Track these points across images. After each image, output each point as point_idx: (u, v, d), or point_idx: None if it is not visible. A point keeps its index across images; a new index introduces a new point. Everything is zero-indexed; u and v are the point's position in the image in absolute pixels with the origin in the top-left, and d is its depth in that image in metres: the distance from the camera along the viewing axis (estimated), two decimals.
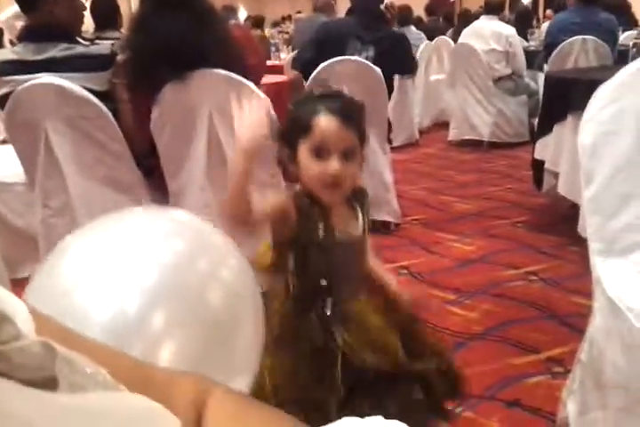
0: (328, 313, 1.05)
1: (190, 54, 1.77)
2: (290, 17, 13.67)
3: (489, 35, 4.31)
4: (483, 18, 4.49)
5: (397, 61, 2.80)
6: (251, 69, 1.99)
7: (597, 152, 1.14)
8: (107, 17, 3.56)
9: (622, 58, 3.64)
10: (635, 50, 2.74)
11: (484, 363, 1.65)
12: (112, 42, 2.05)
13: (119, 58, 1.87)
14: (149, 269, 0.63)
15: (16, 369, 0.25)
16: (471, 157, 4.34)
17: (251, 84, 1.82)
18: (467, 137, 4.59)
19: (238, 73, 1.80)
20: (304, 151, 1.00)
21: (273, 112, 1.87)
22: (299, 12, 11.70)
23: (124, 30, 3.63)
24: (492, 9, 4.45)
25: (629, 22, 5.32)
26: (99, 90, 1.86)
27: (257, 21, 8.72)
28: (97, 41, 2.27)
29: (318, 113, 1.00)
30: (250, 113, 1.02)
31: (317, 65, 2.66)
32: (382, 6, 2.96)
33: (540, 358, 1.67)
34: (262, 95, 1.83)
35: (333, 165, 0.98)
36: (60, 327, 0.38)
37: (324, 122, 0.99)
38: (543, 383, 1.55)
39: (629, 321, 0.96)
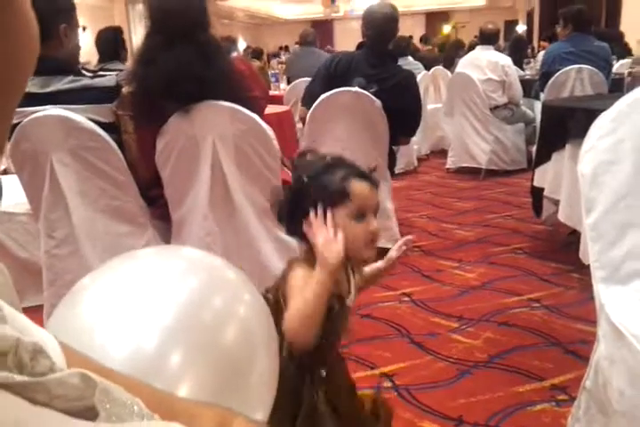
0: (323, 374, 1.04)
1: (195, 87, 1.81)
2: (287, 47, 13.95)
3: (485, 64, 4.39)
4: (478, 48, 4.58)
5: (399, 105, 2.65)
6: (254, 101, 2.03)
7: (598, 181, 1.16)
8: (111, 49, 3.64)
9: (617, 86, 3.72)
10: (630, 78, 2.79)
11: (488, 391, 1.64)
12: (116, 73, 2.09)
13: (124, 90, 1.91)
14: (166, 308, 0.64)
15: (56, 399, 0.26)
16: (469, 184, 4.37)
17: (254, 116, 1.85)
18: (465, 165, 4.63)
19: (242, 105, 1.84)
20: (342, 217, 1.01)
21: (276, 142, 1.91)
22: (297, 43, 11.95)
23: (127, 62, 3.71)
24: (487, 39, 4.54)
25: (622, 51, 5.45)
26: (104, 121, 1.89)
27: (256, 52, 8.90)
28: (100, 72, 2.32)
29: (349, 180, 1.03)
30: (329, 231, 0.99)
31: None
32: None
33: (544, 385, 1.66)
34: (266, 126, 1.87)
35: (374, 224, 1.04)
36: (87, 360, 0.39)
37: (360, 188, 1.03)
38: (548, 411, 1.54)
39: (634, 348, 0.97)
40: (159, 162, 1.88)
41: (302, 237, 1.04)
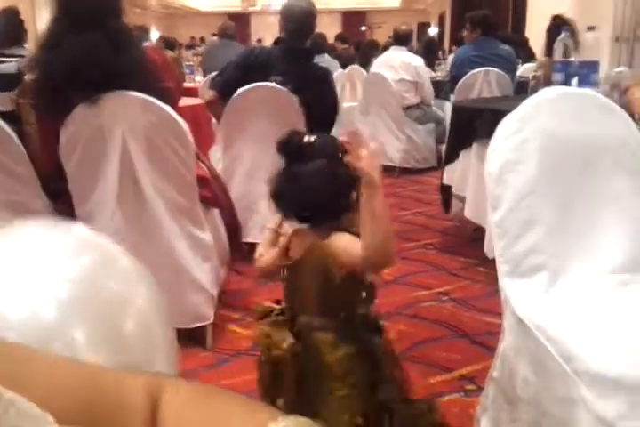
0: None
1: (103, 76, 1.72)
2: (203, 39, 13.66)
3: (398, 65, 4.51)
4: (392, 48, 4.70)
5: (316, 102, 2.65)
6: (167, 92, 1.96)
7: (503, 179, 1.21)
8: (12, 33, 3.40)
9: (521, 88, 3.93)
10: (534, 81, 2.96)
11: None
12: (17, 59, 1.95)
13: (26, 77, 1.79)
14: (61, 281, 0.61)
15: None
16: (385, 182, 4.40)
17: (167, 108, 1.79)
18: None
19: (154, 96, 1.77)
20: None
21: (191, 136, 1.85)
22: (214, 35, 11.71)
23: (28, 46, 3.48)
24: (401, 40, 4.66)
25: (527, 55, 5.76)
26: (3, 110, 1.76)
27: (169, 43, 8.63)
28: (1, 58, 2.16)
29: None
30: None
31: (237, 88, 2.66)
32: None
33: (453, 376, 1.73)
34: (180, 119, 1.81)
35: None
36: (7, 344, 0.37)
37: None
38: (457, 401, 1.61)
39: (537, 338, 1.02)
40: (63, 154, 1.77)
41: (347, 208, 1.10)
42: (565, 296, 1.12)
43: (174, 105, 1.97)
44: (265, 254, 1.18)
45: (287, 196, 1.12)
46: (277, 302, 1.24)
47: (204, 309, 1.93)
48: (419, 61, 4.55)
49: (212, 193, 2.07)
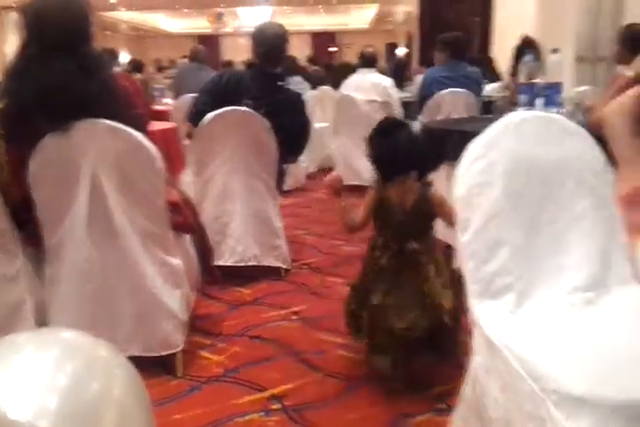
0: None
1: (74, 104, 1.70)
2: (173, 61, 13.67)
3: (368, 86, 4.58)
4: (360, 71, 4.76)
5: (288, 126, 2.67)
6: (138, 119, 1.95)
7: (471, 202, 1.24)
8: None
9: (487, 108, 4.02)
10: (501, 102, 3.03)
11: (377, 404, 1.69)
12: None
13: None
14: (45, 396, 0.63)
15: None
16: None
17: (137, 134, 1.78)
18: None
19: (125, 122, 1.76)
20: None
21: (161, 162, 1.84)
22: (184, 57, 11.72)
23: None
24: (368, 61, 4.73)
25: (492, 75, 5.90)
26: None
27: (137, 65, 8.61)
28: None
29: None
30: None
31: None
32: None
33: (425, 396, 1.73)
34: (150, 145, 1.80)
35: None
36: None
37: None
38: (430, 421, 1.61)
39: (506, 358, 1.03)
40: (32, 184, 1.73)
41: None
42: (532, 316, 1.13)
43: (145, 131, 1.96)
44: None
45: (395, 155, 1.67)
46: None
47: (175, 336, 1.90)
48: (388, 82, 4.62)
49: (184, 219, 2.05)
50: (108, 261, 1.83)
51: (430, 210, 1.68)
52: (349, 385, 1.80)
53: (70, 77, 1.71)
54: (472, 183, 1.26)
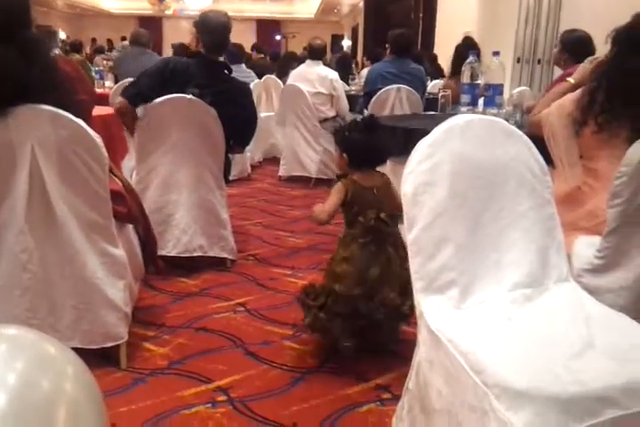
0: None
1: (15, 90, 1.64)
2: (111, 42, 13.23)
3: (315, 78, 4.59)
4: (308, 62, 4.77)
5: (234, 115, 2.65)
6: (81, 105, 1.89)
7: (418, 200, 1.28)
8: None
9: (430, 105, 4.12)
10: (443, 100, 3.11)
11: (320, 395, 1.72)
12: None
13: None
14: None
15: None
16: (300, 192, 4.53)
17: (80, 122, 1.73)
18: (296, 173, 4.79)
19: (67, 109, 1.71)
20: None
21: (104, 150, 1.80)
22: (124, 38, 11.34)
23: None
24: (316, 53, 4.74)
25: (435, 72, 6.04)
26: None
27: (75, 45, 8.29)
28: None
29: None
30: None
31: (149, 100, 2.60)
32: None
33: (369, 386, 1.78)
34: (93, 133, 1.75)
35: None
36: None
37: None
38: (374, 411, 1.66)
39: (450, 352, 1.08)
40: None
41: None
42: (475, 311, 1.19)
43: (88, 118, 1.90)
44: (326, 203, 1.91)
45: (374, 149, 1.94)
46: None
47: (118, 328, 1.87)
48: (334, 75, 4.66)
49: (127, 208, 2.02)
50: (47, 251, 1.78)
51: (395, 196, 1.89)
52: (295, 377, 1.83)
53: (10, 64, 1.64)
54: (419, 182, 1.30)
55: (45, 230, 1.77)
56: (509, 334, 1.12)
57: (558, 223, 1.40)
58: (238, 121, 2.70)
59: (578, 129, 1.78)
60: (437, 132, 1.35)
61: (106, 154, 1.79)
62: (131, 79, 3.61)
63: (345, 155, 1.94)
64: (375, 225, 1.85)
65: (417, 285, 1.23)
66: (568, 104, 1.83)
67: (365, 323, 1.87)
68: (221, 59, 2.86)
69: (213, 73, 2.73)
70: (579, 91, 1.84)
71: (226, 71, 2.80)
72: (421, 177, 1.30)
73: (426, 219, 1.27)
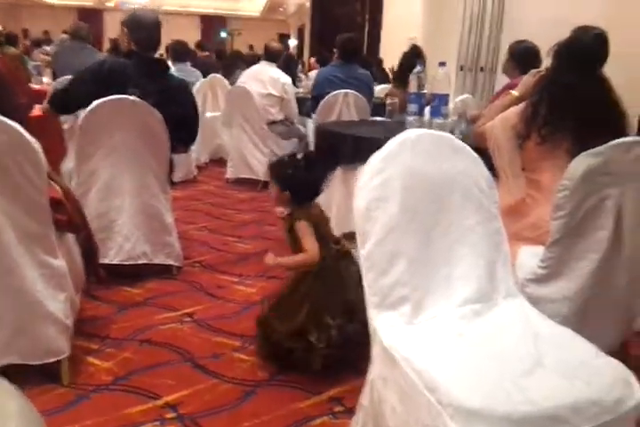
0: None
1: None
2: (47, 33, 12.70)
3: (267, 79, 4.58)
4: (262, 63, 4.76)
5: (177, 115, 2.60)
6: (17, 108, 1.81)
7: (370, 215, 1.28)
8: None
9: (377, 110, 4.16)
10: (390, 108, 3.15)
11: (272, 410, 1.70)
12: None
13: None
14: None
15: None
16: (248, 195, 4.48)
17: (16, 126, 1.64)
18: (243, 176, 4.74)
19: (5, 114, 1.62)
20: None
21: (42, 156, 1.71)
22: (65, 32, 10.90)
23: None
24: (272, 56, 4.73)
25: (382, 76, 6.11)
26: None
27: (10, 38, 7.91)
28: None
29: None
30: None
31: (85, 104, 2.49)
32: None
33: (322, 398, 1.77)
34: (30, 138, 1.67)
35: None
36: None
37: None
38: (327, 424, 1.65)
39: (404, 370, 1.09)
40: None
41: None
42: (427, 328, 1.21)
43: (24, 122, 1.81)
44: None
45: (317, 185, 1.95)
46: None
47: (59, 342, 1.80)
48: (287, 79, 4.66)
49: (67, 216, 1.94)
50: None
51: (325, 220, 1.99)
52: (246, 390, 1.80)
53: None
54: (371, 197, 1.30)
55: None
56: (461, 350, 1.14)
57: (505, 238, 1.44)
58: (181, 119, 2.64)
59: (521, 142, 1.83)
60: (389, 146, 1.35)
61: (44, 160, 1.72)
62: (69, 76, 3.48)
63: (287, 192, 1.90)
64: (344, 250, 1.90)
65: (370, 300, 1.23)
66: (512, 117, 1.88)
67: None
68: (157, 55, 2.80)
69: (152, 71, 2.65)
70: (522, 104, 1.89)
71: (163, 70, 2.74)
72: (373, 192, 1.30)
73: (378, 234, 1.27)
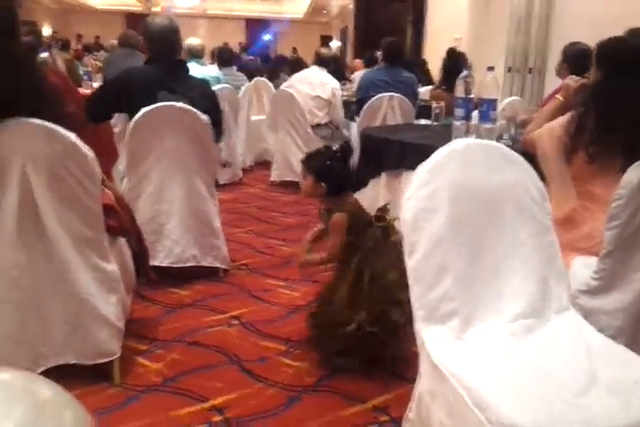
0: None
1: (4, 103, 1.61)
2: (98, 38, 13.08)
3: (317, 83, 4.66)
4: (314, 68, 4.85)
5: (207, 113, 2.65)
6: (70, 118, 1.87)
7: (417, 226, 1.28)
8: None
9: (422, 112, 4.12)
10: (437, 111, 3.12)
11: (317, 416, 1.71)
12: None
13: None
14: None
15: None
16: (292, 198, 4.50)
17: (71, 135, 1.70)
18: (287, 179, 4.78)
19: (57, 122, 1.68)
20: None
21: (97, 164, 1.77)
22: (118, 42, 11.19)
23: None
24: (324, 62, 4.81)
25: (425, 78, 6.05)
26: None
27: (63, 44, 8.21)
28: None
29: None
30: None
31: (109, 114, 2.65)
32: None
33: (366, 407, 1.77)
34: (84, 147, 1.72)
35: None
36: None
37: None
38: None
39: (452, 385, 1.08)
40: None
41: None
42: (477, 343, 1.19)
43: (78, 131, 1.88)
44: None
45: (343, 179, 2.01)
46: None
47: (111, 344, 1.85)
48: (336, 84, 4.73)
49: (119, 222, 2.00)
50: (38, 267, 1.76)
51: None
52: (291, 396, 1.82)
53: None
54: (418, 208, 1.29)
55: (37, 246, 1.74)
56: (511, 367, 1.12)
57: (558, 251, 1.40)
58: (212, 117, 2.67)
59: (568, 156, 1.75)
60: (436, 157, 1.34)
61: (98, 168, 1.77)
62: None
63: (323, 184, 1.95)
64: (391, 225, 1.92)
65: (417, 314, 1.22)
66: (557, 128, 1.81)
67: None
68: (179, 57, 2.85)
69: (174, 74, 2.70)
70: (568, 115, 1.81)
71: (185, 72, 2.77)
72: (421, 203, 1.30)
73: (426, 246, 1.26)
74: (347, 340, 1.87)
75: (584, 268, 1.61)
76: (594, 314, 1.52)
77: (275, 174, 4.89)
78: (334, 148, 2.02)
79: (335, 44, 13.81)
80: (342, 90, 5.71)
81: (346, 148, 2.02)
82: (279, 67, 6.75)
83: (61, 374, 1.65)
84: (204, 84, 2.83)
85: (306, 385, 1.88)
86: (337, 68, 5.74)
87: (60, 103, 1.84)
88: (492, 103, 2.42)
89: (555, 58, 3.47)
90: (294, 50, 12.98)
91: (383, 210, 1.98)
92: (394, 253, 1.86)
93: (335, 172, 1.95)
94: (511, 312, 1.28)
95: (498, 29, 5.41)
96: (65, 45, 8.09)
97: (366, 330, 1.82)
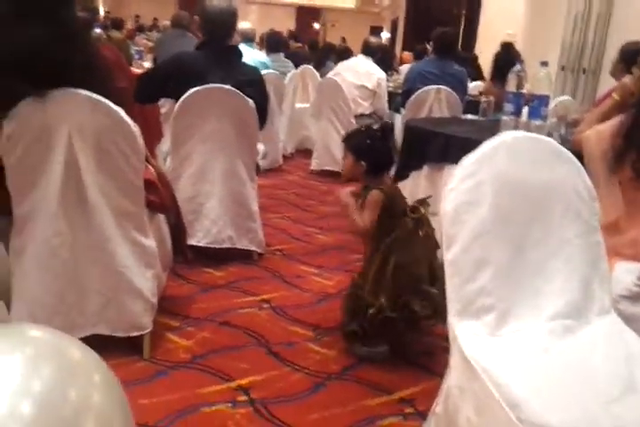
0: None
1: (52, 70, 1.63)
2: (155, 24, 13.24)
3: (363, 72, 4.63)
4: (360, 57, 4.82)
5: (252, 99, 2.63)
6: (120, 93, 1.89)
7: (458, 219, 1.24)
8: None
9: (470, 107, 4.04)
10: (485, 105, 3.05)
11: (341, 405, 1.71)
12: None
13: None
14: (25, 402, 0.59)
15: None
16: (331, 187, 4.48)
17: (119, 110, 1.72)
18: (327, 168, 4.76)
19: (106, 96, 1.70)
20: None
21: (142, 140, 1.79)
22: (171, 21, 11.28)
23: None
24: (370, 51, 4.77)
25: (476, 73, 5.93)
26: None
27: (116, 23, 8.32)
28: None
29: None
30: None
31: (158, 98, 2.67)
32: None
33: (392, 398, 1.76)
34: (131, 122, 1.74)
35: None
36: None
37: None
38: (395, 425, 1.64)
39: (483, 381, 1.06)
40: (4, 149, 1.66)
41: None
42: (511, 340, 1.16)
43: (127, 106, 1.90)
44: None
45: (391, 155, 2.05)
46: None
47: (143, 318, 1.88)
48: (382, 74, 4.69)
49: (159, 198, 2.02)
50: (78, 237, 1.79)
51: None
52: (317, 382, 1.82)
53: (52, 47, 1.63)
54: (460, 200, 1.26)
55: (78, 216, 1.78)
56: (546, 366, 1.09)
57: (604, 253, 1.35)
58: (257, 105, 2.67)
59: (615, 160, 1.66)
60: (483, 149, 1.30)
61: (143, 144, 1.79)
62: None
63: (363, 162, 1.95)
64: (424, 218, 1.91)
65: (452, 307, 1.20)
66: (606, 134, 1.72)
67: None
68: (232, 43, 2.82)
69: (225, 60, 2.69)
70: (617, 118, 1.72)
71: (237, 58, 2.77)
72: (464, 195, 1.26)
73: (466, 239, 1.23)
74: (369, 323, 1.87)
75: (627, 273, 1.55)
76: (634, 320, 1.46)
77: (315, 163, 4.88)
78: (375, 127, 2.04)
79: (385, 34, 13.66)
80: (388, 81, 5.65)
81: (386, 127, 2.05)
82: (326, 55, 6.71)
83: (92, 346, 1.68)
84: (254, 70, 2.82)
85: (332, 373, 1.88)
86: (384, 57, 5.67)
87: (111, 78, 1.87)
88: (543, 99, 2.35)
89: (611, 59, 3.35)
90: (343, 39, 12.88)
91: (422, 202, 1.95)
92: (422, 246, 1.88)
93: (375, 150, 1.96)
94: (550, 311, 1.24)
95: (553, 26, 5.25)
96: (118, 25, 8.21)
97: (386, 314, 1.82)
